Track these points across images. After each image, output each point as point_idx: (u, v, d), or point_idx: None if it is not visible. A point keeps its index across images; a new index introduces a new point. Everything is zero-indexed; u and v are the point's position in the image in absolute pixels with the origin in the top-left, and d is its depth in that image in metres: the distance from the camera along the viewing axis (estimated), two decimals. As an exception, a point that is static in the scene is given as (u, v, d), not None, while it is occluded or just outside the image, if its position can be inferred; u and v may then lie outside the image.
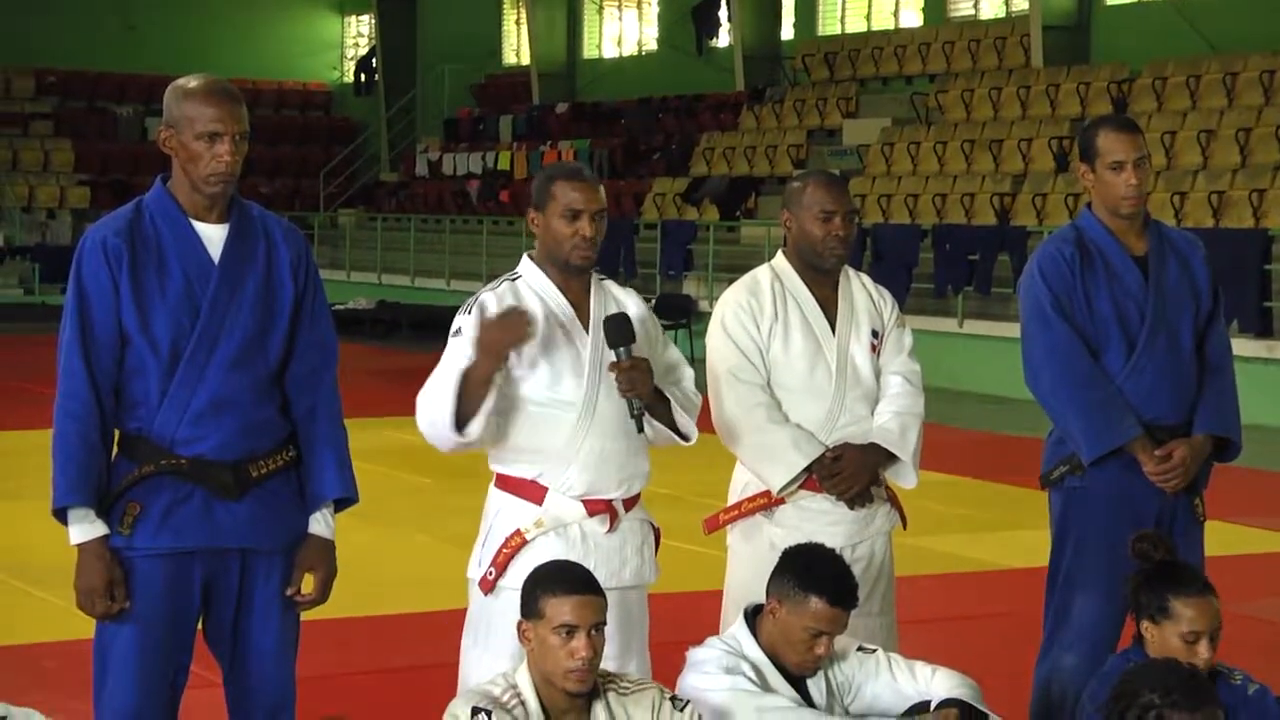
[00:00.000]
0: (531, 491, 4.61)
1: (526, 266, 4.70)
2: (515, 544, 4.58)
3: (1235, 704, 4.51)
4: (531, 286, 4.66)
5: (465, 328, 4.57)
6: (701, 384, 4.89)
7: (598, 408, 4.58)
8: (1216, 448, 5.25)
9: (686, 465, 6.71)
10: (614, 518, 4.63)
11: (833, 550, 4.66)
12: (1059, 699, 5.17)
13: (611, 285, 4.77)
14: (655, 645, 4.93)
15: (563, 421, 4.58)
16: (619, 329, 4.56)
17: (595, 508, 4.61)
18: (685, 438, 4.70)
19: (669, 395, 4.65)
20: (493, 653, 4.56)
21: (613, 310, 4.65)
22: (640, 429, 4.59)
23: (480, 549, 4.66)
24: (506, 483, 4.65)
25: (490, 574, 4.59)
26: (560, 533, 4.59)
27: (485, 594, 4.61)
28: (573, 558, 4.45)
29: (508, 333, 4.45)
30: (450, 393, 4.46)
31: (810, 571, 4.51)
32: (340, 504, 4.43)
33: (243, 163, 4.25)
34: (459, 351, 4.51)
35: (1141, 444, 5.11)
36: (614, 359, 4.55)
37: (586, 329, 4.62)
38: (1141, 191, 5.16)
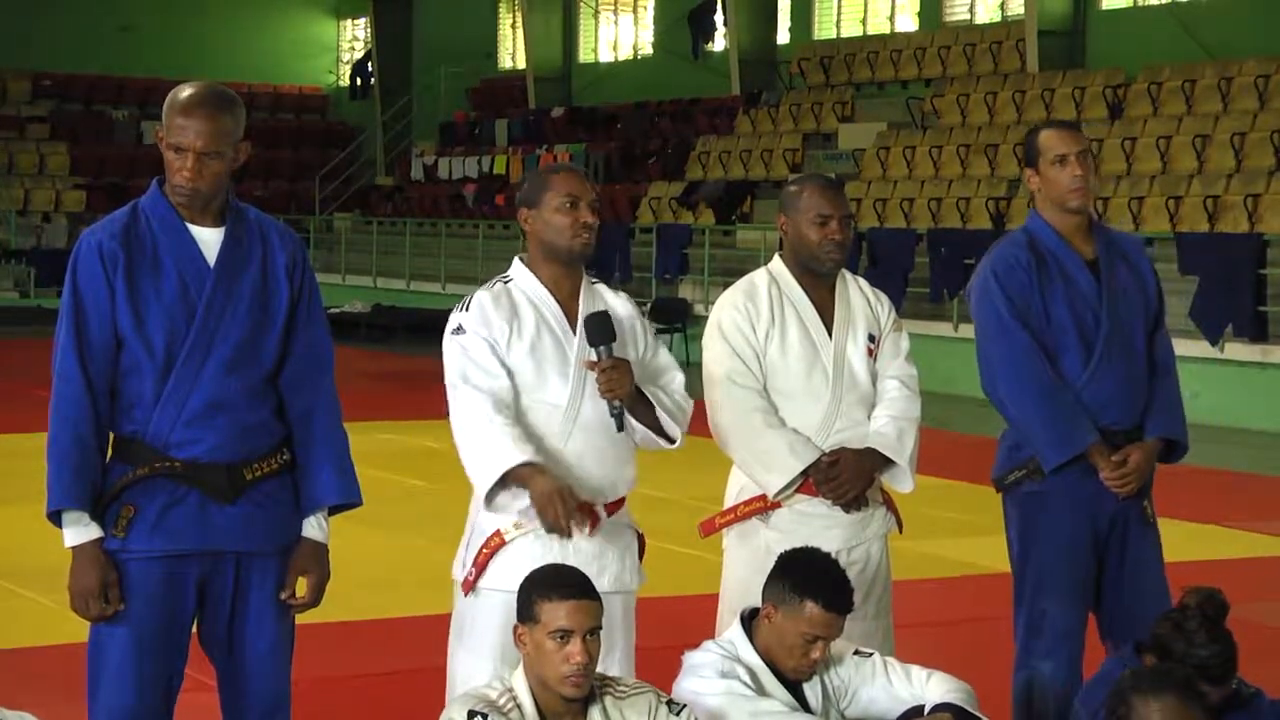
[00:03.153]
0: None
1: (517, 269, 4.71)
2: (494, 544, 4.59)
3: (1233, 708, 4.52)
4: (522, 289, 4.67)
5: (465, 325, 4.59)
6: (698, 388, 4.88)
7: (581, 409, 4.59)
8: (1164, 449, 5.26)
9: (682, 468, 6.71)
10: (595, 522, 4.62)
11: (828, 555, 4.66)
12: (1041, 707, 5.17)
13: (603, 289, 4.77)
14: (651, 649, 4.93)
15: (547, 423, 4.58)
16: (599, 327, 4.57)
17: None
18: (670, 440, 4.69)
19: (651, 397, 4.64)
20: (476, 653, 4.58)
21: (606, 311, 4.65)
22: (620, 428, 4.59)
23: (464, 549, 4.67)
24: None
25: (470, 574, 4.61)
26: (539, 534, 4.58)
27: (465, 594, 4.62)
28: (551, 560, 4.46)
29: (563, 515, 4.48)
30: (491, 477, 4.49)
31: (806, 576, 4.51)
32: (340, 507, 4.43)
33: (226, 174, 4.22)
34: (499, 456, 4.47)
35: (1099, 450, 5.13)
36: (594, 358, 4.56)
37: (575, 331, 4.63)
38: (1087, 184, 5.17)
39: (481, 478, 4.51)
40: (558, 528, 4.46)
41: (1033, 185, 5.24)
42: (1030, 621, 5.22)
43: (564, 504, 4.45)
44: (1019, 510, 5.26)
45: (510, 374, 4.59)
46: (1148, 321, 5.27)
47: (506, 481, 4.49)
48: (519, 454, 4.46)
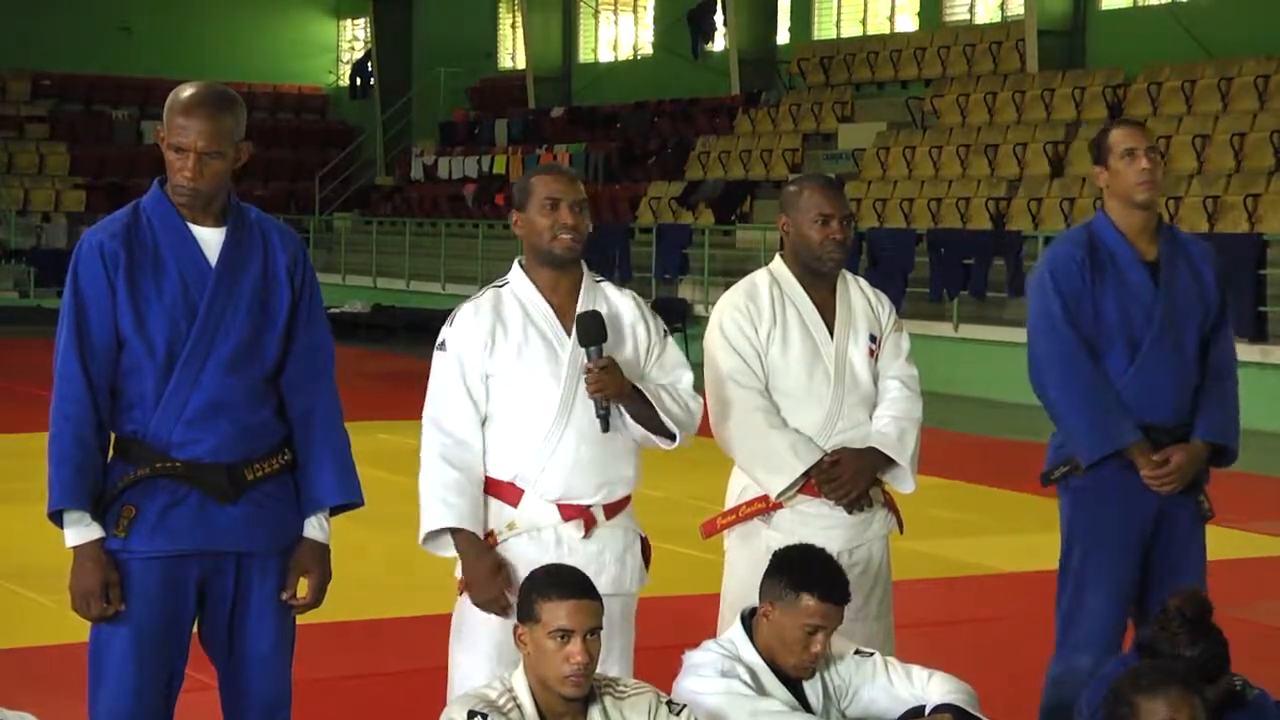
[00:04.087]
0: (508, 493, 4.61)
1: (514, 272, 4.72)
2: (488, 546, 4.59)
3: (1234, 708, 4.51)
4: (516, 293, 4.67)
5: (447, 342, 4.63)
6: (699, 388, 4.88)
7: (574, 411, 4.59)
8: (1213, 453, 5.26)
9: (683, 469, 6.72)
10: (590, 524, 4.62)
11: (822, 549, 4.66)
12: (1071, 700, 5.17)
13: (608, 287, 4.77)
14: (652, 649, 4.93)
15: (539, 424, 4.58)
16: (589, 327, 4.57)
17: (570, 513, 4.61)
18: (670, 437, 4.68)
19: (648, 394, 4.63)
20: (473, 653, 4.59)
21: (601, 311, 4.64)
22: (606, 428, 4.59)
23: None
24: (488, 484, 4.65)
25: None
26: (534, 536, 4.59)
27: (460, 594, 4.63)
28: (545, 561, 4.46)
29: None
30: (425, 525, 4.63)
31: (801, 571, 4.52)
32: (342, 507, 4.42)
33: (227, 173, 4.21)
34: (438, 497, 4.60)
35: (1140, 449, 5.15)
36: (586, 360, 4.56)
37: (570, 334, 4.62)
38: (1154, 177, 5.22)
39: (423, 520, 4.61)
40: (489, 607, 4.55)
41: (1101, 182, 5.30)
42: (1069, 615, 5.26)
43: (497, 591, 4.53)
44: (1069, 503, 5.29)
45: (484, 389, 4.59)
46: (1204, 325, 5.29)
47: (439, 533, 4.60)
48: (448, 517, 4.56)
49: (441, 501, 4.56)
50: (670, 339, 4.85)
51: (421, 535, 4.62)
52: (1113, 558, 5.19)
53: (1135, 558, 5.22)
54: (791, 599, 4.49)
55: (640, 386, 4.62)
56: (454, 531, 4.57)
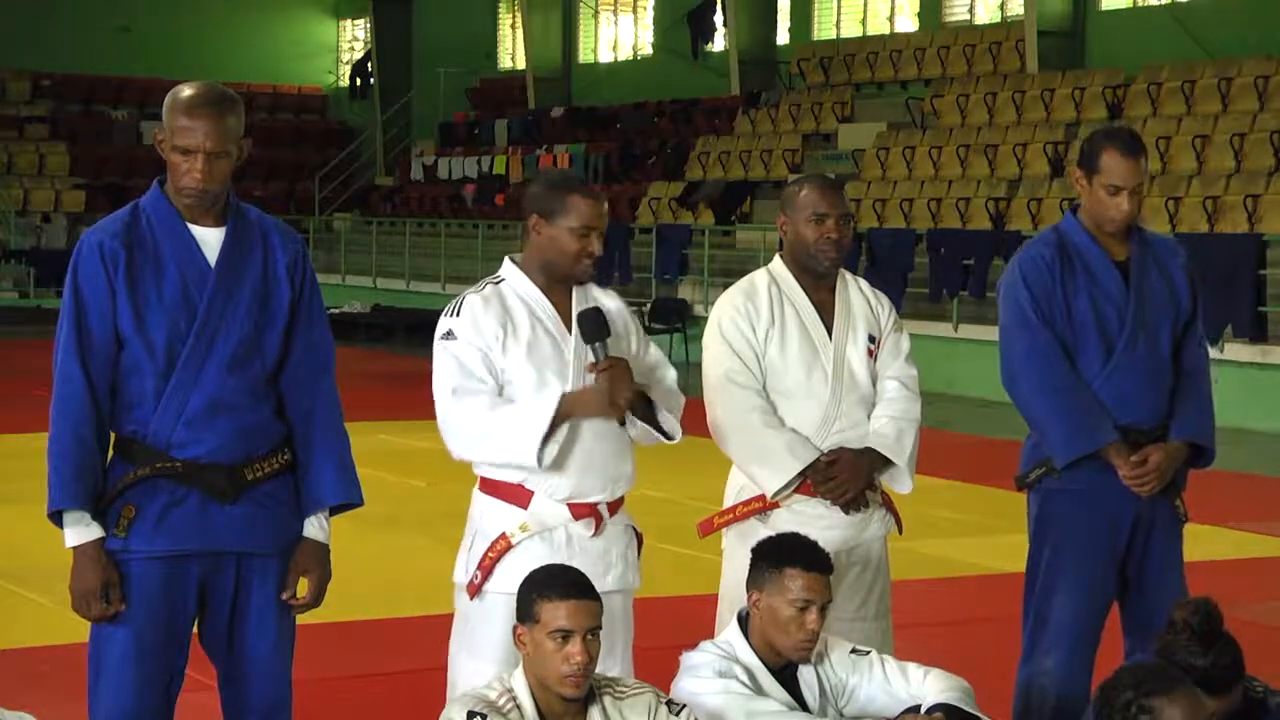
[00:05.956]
0: (516, 495, 4.61)
1: (509, 270, 4.70)
2: (500, 548, 4.59)
3: (1247, 712, 4.48)
4: (515, 290, 4.67)
5: (456, 331, 4.59)
6: (697, 388, 4.88)
7: None
8: (1191, 454, 5.25)
9: (681, 468, 6.72)
10: (599, 522, 4.63)
11: (795, 532, 4.68)
12: (1040, 702, 5.17)
13: (593, 287, 4.78)
14: (650, 649, 4.94)
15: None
16: (593, 324, 4.57)
17: (580, 511, 4.62)
18: (669, 436, 4.70)
19: (650, 394, 4.65)
20: (480, 657, 4.58)
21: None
22: (623, 423, 4.59)
23: (466, 553, 4.67)
24: (491, 487, 4.65)
25: (476, 578, 4.60)
26: (545, 536, 4.59)
27: (471, 598, 4.62)
28: (557, 561, 4.45)
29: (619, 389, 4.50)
30: (541, 428, 4.49)
31: (779, 550, 4.57)
32: (341, 507, 4.43)
33: (230, 172, 4.22)
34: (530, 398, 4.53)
35: (1116, 449, 5.12)
36: (591, 358, 4.56)
37: (571, 331, 4.63)
38: (1132, 217, 5.17)
39: (525, 455, 4.50)
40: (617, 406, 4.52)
41: (1079, 187, 5.23)
42: (1038, 616, 5.22)
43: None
44: (1039, 506, 5.26)
45: (500, 380, 4.58)
46: (1176, 325, 5.26)
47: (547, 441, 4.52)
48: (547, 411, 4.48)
49: (514, 412, 4.52)
50: (646, 336, 4.86)
51: (536, 445, 4.50)
52: (1088, 561, 5.16)
53: (1109, 561, 5.19)
54: (776, 578, 4.50)
55: (641, 385, 4.63)
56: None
